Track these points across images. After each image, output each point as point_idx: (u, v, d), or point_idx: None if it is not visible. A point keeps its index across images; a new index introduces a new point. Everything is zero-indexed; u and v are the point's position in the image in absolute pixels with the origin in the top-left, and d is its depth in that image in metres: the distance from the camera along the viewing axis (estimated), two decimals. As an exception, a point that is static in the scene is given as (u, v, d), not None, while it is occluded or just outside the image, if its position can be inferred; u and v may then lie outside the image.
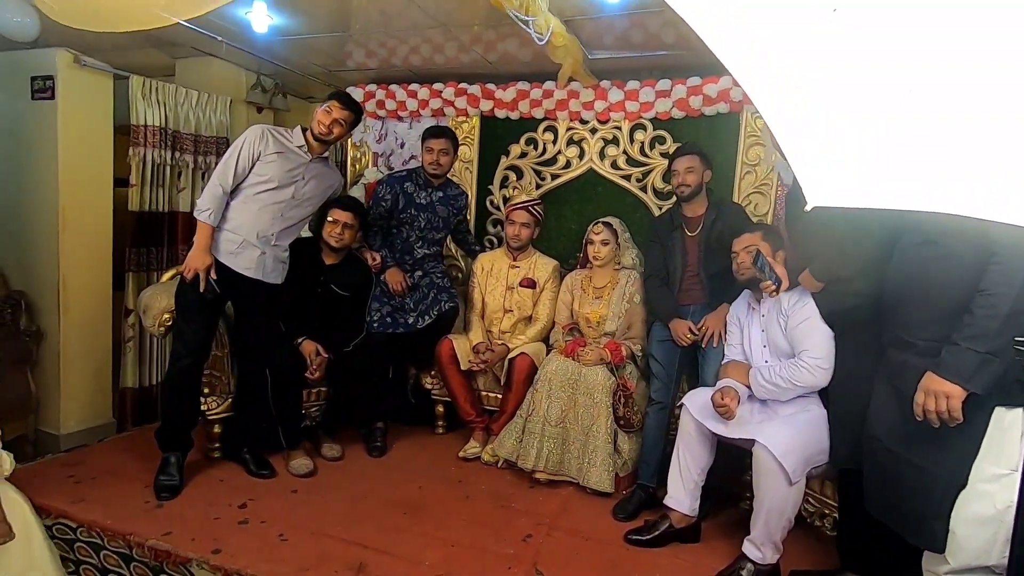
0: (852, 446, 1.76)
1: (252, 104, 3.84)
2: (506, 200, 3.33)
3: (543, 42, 2.18)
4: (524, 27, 2.07)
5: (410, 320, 2.83)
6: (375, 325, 2.78)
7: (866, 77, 0.71)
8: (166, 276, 2.73)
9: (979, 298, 1.38)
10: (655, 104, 3.04)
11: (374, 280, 2.83)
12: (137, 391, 3.31)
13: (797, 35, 0.73)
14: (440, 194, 2.94)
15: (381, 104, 3.56)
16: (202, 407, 2.50)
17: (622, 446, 2.48)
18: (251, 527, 2.09)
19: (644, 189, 3.14)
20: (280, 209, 2.39)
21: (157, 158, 3.25)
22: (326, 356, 2.57)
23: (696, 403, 2.10)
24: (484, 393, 2.91)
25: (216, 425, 2.57)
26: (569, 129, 3.25)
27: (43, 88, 2.90)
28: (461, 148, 3.23)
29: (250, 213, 2.34)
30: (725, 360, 2.22)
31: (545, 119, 3.28)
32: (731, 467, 2.24)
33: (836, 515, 2.01)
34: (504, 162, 3.39)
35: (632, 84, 3.06)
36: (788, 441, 1.81)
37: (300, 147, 2.41)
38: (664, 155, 3.04)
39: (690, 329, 2.40)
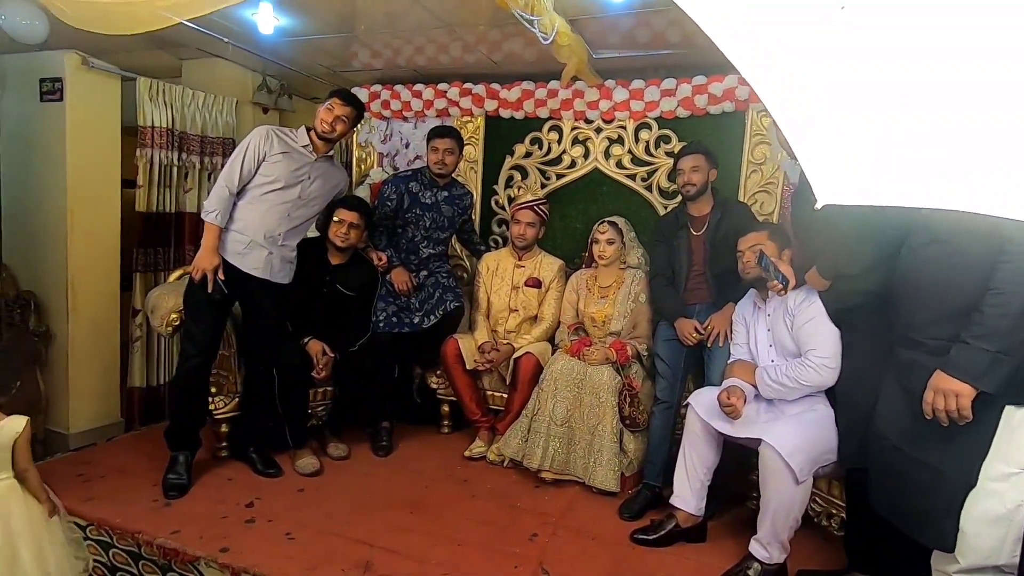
0: (859, 445, 1.75)
1: (258, 105, 3.86)
2: (511, 200, 3.33)
3: (548, 41, 2.18)
4: (529, 27, 2.07)
5: (416, 320, 2.84)
6: (381, 325, 2.78)
7: (875, 76, 0.70)
8: (173, 276, 2.75)
9: (989, 296, 1.37)
10: (660, 103, 3.03)
11: (380, 280, 2.83)
12: (145, 390, 3.33)
13: (803, 34, 0.73)
14: (445, 194, 2.95)
15: (386, 104, 3.57)
16: (209, 406, 2.51)
17: (628, 446, 2.48)
18: (258, 526, 2.11)
19: (649, 188, 3.13)
20: (287, 209, 2.40)
21: (164, 159, 3.27)
22: (332, 356, 2.58)
23: (702, 402, 2.10)
24: (490, 393, 2.91)
25: (223, 424, 2.59)
26: (574, 128, 3.25)
27: (51, 90, 2.93)
28: (466, 148, 3.23)
29: (257, 213, 2.35)
30: (731, 359, 2.21)
31: (550, 119, 3.28)
32: (737, 466, 2.23)
33: (843, 515, 2.00)
34: (509, 162, 3.39)
35: (637, 83, 3.06)
36: (795, 440, 1.81)
37: (305, 147, 2.43)
38: (669, 154, 3.03)
39: (696, 328, 2.39)
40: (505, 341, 2.87)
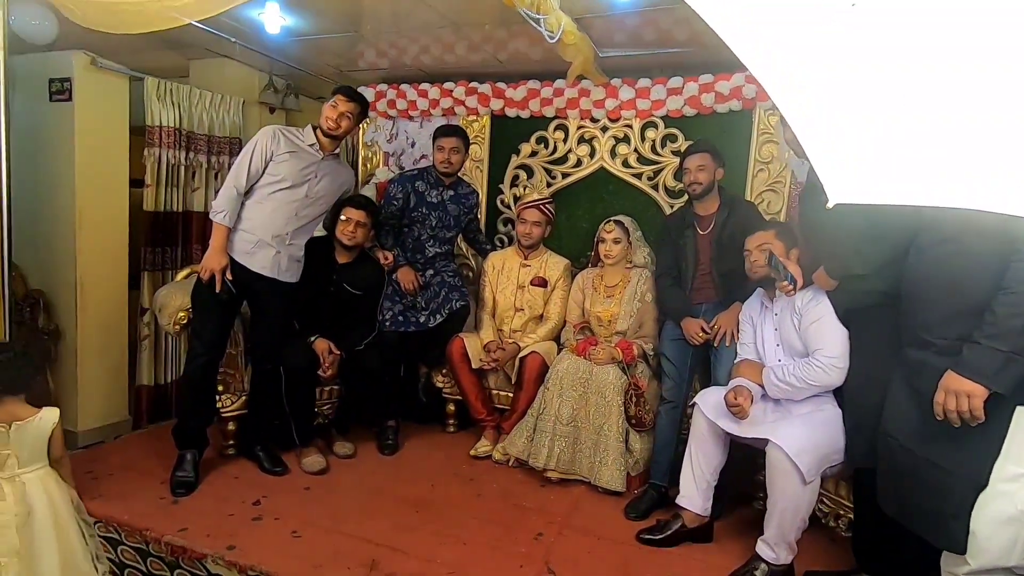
0: (867, 445, 1.74)
1: (264, 105, 3.87)
2: (517, 199, 3.33)
3: (554, 40, 2.17)
4: (535, 25, 2.06)
5: (421, 319, 2.84)
6: (387, 324, 2.79)
7: (888, 76, 0.70)
8: (180, 275, 2.76)
9: (1001, 296, 1.35)
10: (666, 102, 3.02)
11: (386, 279, 2.84)
12: (152, 389, 3.35)
13: (814, 32, 0.72)
14: (451, 193, 2.95)
15: (392, 104, 3.57)
16: (216, 405, 2.53)
17: (634, 445, 2.48)
18: (265, 523, 2.11)
19: (655, 187, 3.12)
20: (294, 208, 2.41)
21: (172, 159, 3.29)
22: (338, 354, 2.58)
23: (709, 402, 2.09)
24: (495, 392, 2.91)
25: (230, 422, 2.60)
26: (580, 127, 3.24)
27: (61, 90, 2.94)
28: (472, 147, 3.23)
29: (265, 213, 2.36)
30: (738, 359, 2.20)
31: (556, 117, 3.28)
32: (744, 466, 2.22)
33: (851, 516, 1.99)
34: (515, 161, 3.39)
35: (643, 82, 3.05)
36: (802, 440, 1.80)
37: (312, 146, 2.43)
38: (676, 153, 3.02)
39: (702, 328, 2.38)
40: (510, 340, 2.87)
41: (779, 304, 2.10)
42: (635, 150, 3.15)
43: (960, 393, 1.37)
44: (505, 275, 2.96)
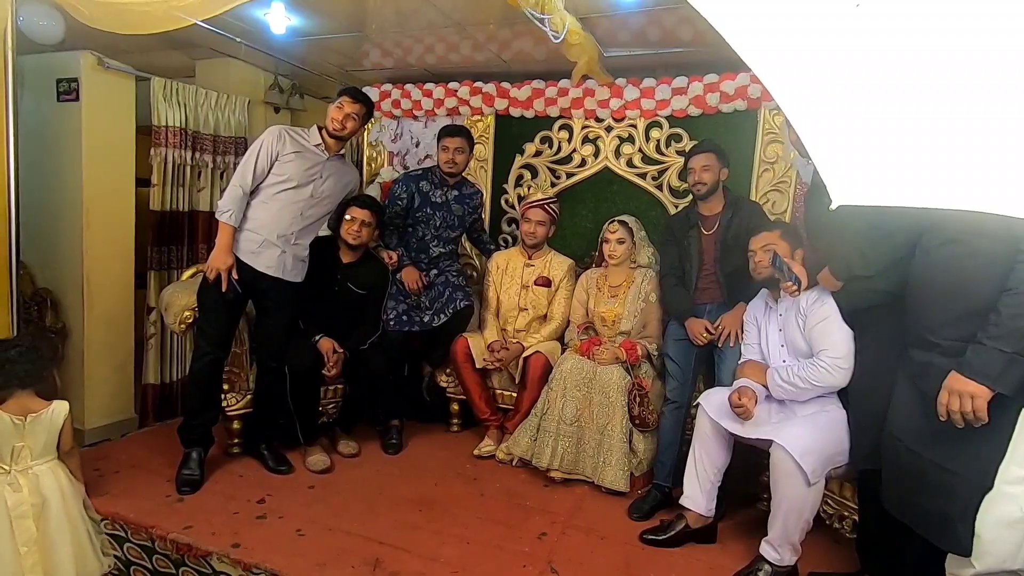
0: (872, 447, 1.74)
1: (270, 104, 3.89)
2: (521, 199, 3.33)
3: (558, 40, 2.17)
4: (539, 25, 2.07)
5: (425, 318, 2.85)
6: (391, 323, 2.80)
7: (890, 76, 0.70)
8: (186, 274, 2.78)
9: (1006, 297, 1.35)
10: (671, 101, 3.02)
11: (390, 279, 2.85)
12: (158, 387, 3.37)
13: (817, 33, 0.72)
14: (455, 193, 2.95)
15: (396, 103, 3.58)
16: (222, 403, 2.54)
17: (637, 446, 2.47)
18: (269, 522, 2.13)
19: (660, 187, 3.12)
20: (300, 208, 2.42)
21: (178, 158, 3.31)
22: (343, 353, 2.59)
23: (713, 403, 2.08)
24: (499, 391, 2.91)
25: (235, 421, 2.61)
26: (584, 127, 3.24)
27: (68, 90, 2.97)
28: (476, 147, 3.23)
29: (270, 212, 2.37)
30: (742, 360, 2.20)
31: (560, 117, 3.27)
32: (748, 467, 2.22)
33: (855, 517, 1.98)
34: (519, 161, 3.39)
35: (648, 81, 3.04)
36: (806, 442, 1.79)
37: (317, 146, 2.44)
38: (680, 153, 3.01)
39: (706, 328, 2.38)
40: (514, 340, 2.87)
41: (783, 305, 2.09)
42: (639, 150, 3.14)
43: (964, 394, 1.36)
44: (509, 275, 2.96)
